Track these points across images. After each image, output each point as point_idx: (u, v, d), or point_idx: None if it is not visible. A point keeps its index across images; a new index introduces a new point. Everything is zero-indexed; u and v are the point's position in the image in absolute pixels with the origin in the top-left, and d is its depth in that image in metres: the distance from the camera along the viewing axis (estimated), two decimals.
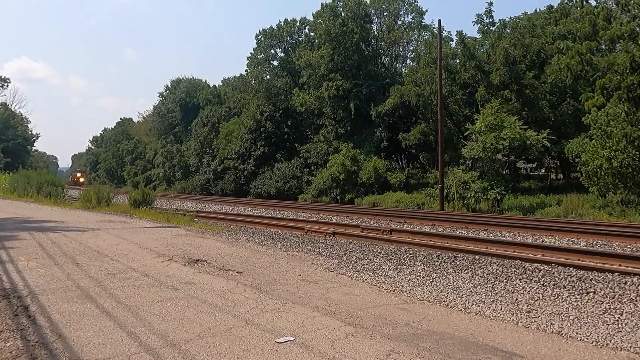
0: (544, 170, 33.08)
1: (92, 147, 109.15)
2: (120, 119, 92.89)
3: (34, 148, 76.92)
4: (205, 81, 64.17)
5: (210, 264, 7.58)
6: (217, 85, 61.03)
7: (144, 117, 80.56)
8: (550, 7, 29.47)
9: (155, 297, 5.46)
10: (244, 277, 6.71)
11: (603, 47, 22.44)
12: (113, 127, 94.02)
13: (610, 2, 22.54)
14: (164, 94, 67.33)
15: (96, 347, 3.86)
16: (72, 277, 6.43)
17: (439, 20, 25.28)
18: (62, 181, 33.75)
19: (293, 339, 4.13)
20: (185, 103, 59.80)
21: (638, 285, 6.00)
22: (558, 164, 31.05)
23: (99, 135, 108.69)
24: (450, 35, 31.31)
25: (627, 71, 16.67)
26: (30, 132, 71.46)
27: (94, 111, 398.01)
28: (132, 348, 3.86)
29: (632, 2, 17.71)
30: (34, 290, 5.67)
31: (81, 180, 79.09)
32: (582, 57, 19.89)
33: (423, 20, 37.89)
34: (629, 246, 9.74)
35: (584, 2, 25.81)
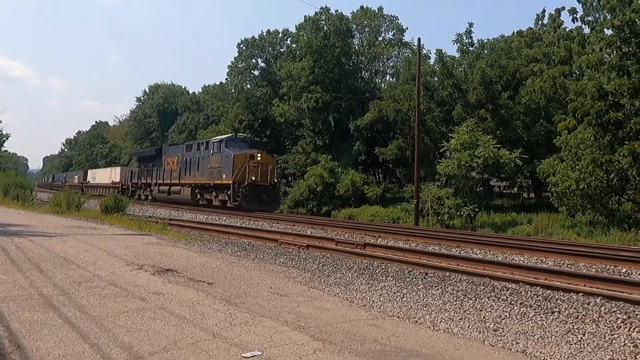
0: (516, 189, 33.80)
1: (65, 150, 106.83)
2: (96, 122, 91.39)
3: (3, 148, 74.34)
4: (185, 87, 63.75)
5: (180, 274, 7.46)
6: (196, 92, 60.64)
7: (120, 121, 79.39)
8: (520, 32, 30.46)
9: (122, 307, 5.34)
10: (214, 288, 6.63)
11: (577, 71, 23.25)
12: (88, 130, 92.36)
13: (585, 27, 23.39)
14: (142, 98, 66.55)
15: (56, 359, 3.74)
16: (35, 284, 6.24)
17: (419, 39, 25.78)
18: (32, 183, 32.90)
19: (260, 353, 4.08)
20: (163, 109, 59.20)
21: (601, 306, 6.15)
22: (530, 183, 31.78)
23: (72, 137, 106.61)
24: (430, 53, 31.96)
25: (595, 98, 17.24)
26: (0, 132, 69.25)
27: (72, 114, 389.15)
28: None
29: (598, 36, 18.34)
30: None
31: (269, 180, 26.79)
32: (555, 80, 20.54)
33: (403, 38, 38.73)
34: (594, 266, 9.98)
35: (557, 28, 26.74)
